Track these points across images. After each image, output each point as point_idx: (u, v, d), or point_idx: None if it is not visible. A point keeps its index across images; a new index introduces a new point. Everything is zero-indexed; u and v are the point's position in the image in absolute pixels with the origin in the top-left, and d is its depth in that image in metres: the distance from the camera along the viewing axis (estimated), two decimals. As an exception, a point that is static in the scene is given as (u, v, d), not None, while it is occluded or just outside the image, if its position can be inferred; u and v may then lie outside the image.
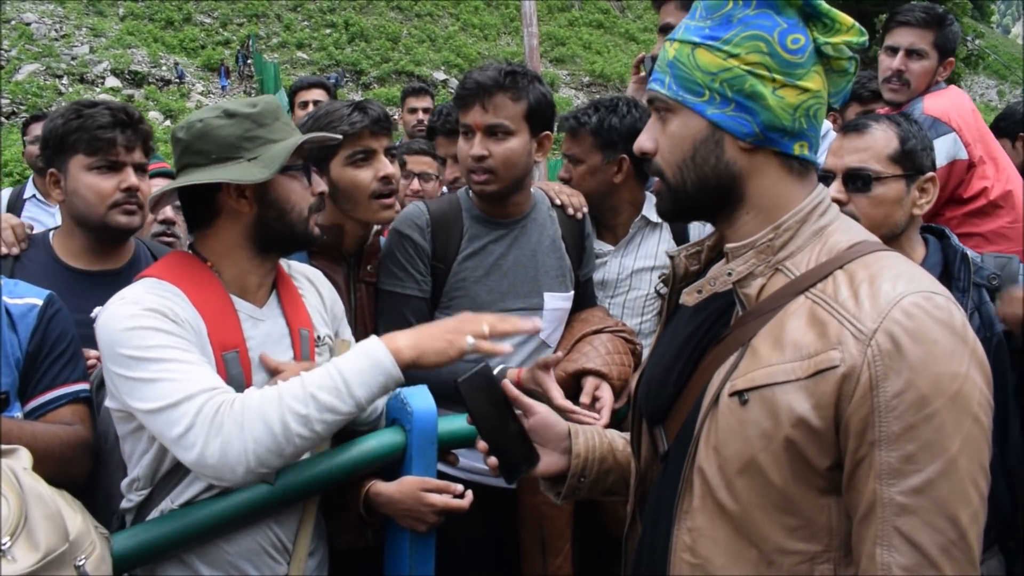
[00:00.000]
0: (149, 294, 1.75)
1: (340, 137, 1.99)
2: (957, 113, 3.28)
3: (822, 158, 2.47)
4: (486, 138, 2.32)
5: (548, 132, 2.44)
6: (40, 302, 1.99)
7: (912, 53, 3.46)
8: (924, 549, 1.07)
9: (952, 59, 3.49)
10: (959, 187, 3.20)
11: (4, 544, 1.33)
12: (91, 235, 2.34)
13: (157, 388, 1.63)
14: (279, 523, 1.90)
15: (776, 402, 1.17)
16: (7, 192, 4.58)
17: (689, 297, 1.33)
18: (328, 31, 35.96)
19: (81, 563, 1.45)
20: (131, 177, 2.29)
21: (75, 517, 1.50)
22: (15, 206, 4.34)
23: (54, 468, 1.67)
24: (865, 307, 1.14)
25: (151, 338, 1.67)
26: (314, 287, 2.12)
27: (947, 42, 3.45)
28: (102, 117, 2.27)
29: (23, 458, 1.53)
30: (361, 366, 1.63)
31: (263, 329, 1.91)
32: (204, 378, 1.66)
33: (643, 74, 3.07)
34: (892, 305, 1.12)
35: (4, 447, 1.54)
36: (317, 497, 1.99)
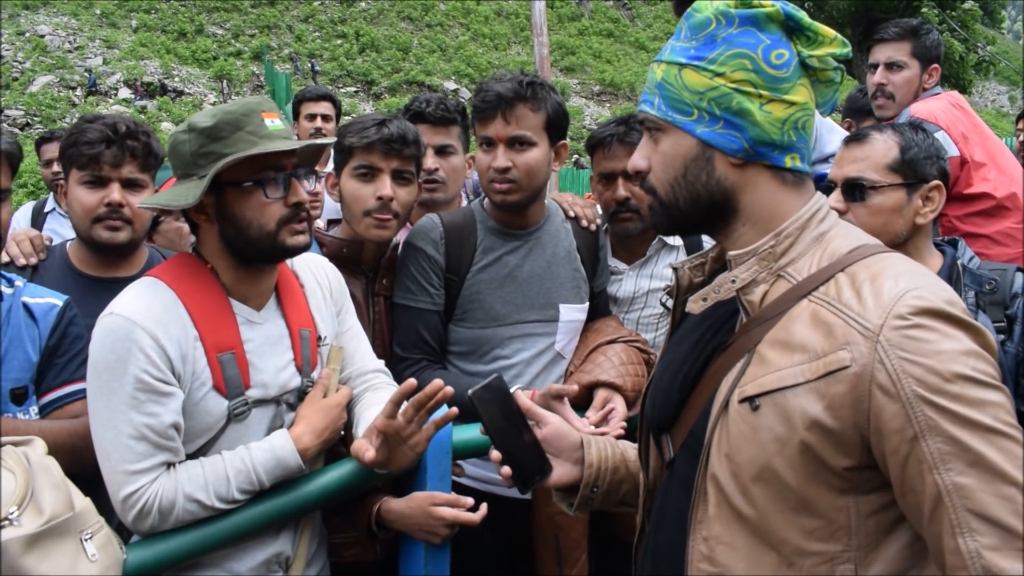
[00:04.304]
0: (141, 303, 1.76)
1: (258, 151, 1.78)
2: (943, 112, 3.33)
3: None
4: (508, 149, 2.33)
5: (564, 141, 2.45)
6: (59, 303, 2.06)
7: (891, 66, 3.56)
8: (1002, 521, 1.06)
9: (936, 65, 3.57)
10: (955, 184, 3.23)
11: (12, 513, 1.38)
12: (89, 246, 2.39)
13: (106, 435, 1.72)
14: (278, 536, 1.94)
15: (788, 406, 1.17)
16: (30, 206, 4.73)
17: (695, 305, 1.34)
18: (339, 42, 36.13)
19: (87, 537, 1.49)
20: (114, 193, 2.29)
21: (83, 499, 1.55)
22: (37, 218, 4.49)
23: (67, 459, 1.70)
24: (869, 305, 1.15)
25: (117, 383, 1.71)
26: (316, 279, 2.13)
27: (926, 50, 3.53)
28: (92, 132, 2.28)
29: (38, 447, 1.57)
30: (272, 466, 1.84)
31: (262, 332, 1.91)
32: (143, 457, 1.71)
33: None
34: (896, 300, 1.13)
35: (20, 438, 1.57)
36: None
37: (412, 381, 1.81)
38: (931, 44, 3.52)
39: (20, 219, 4.56)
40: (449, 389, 1.81)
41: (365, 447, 1.86)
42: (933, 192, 2.13)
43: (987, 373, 1.11)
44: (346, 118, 4.50)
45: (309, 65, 33.27)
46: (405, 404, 1.83)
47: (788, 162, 1.31)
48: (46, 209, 4.54)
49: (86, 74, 28.11)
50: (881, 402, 1.11)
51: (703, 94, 1.29)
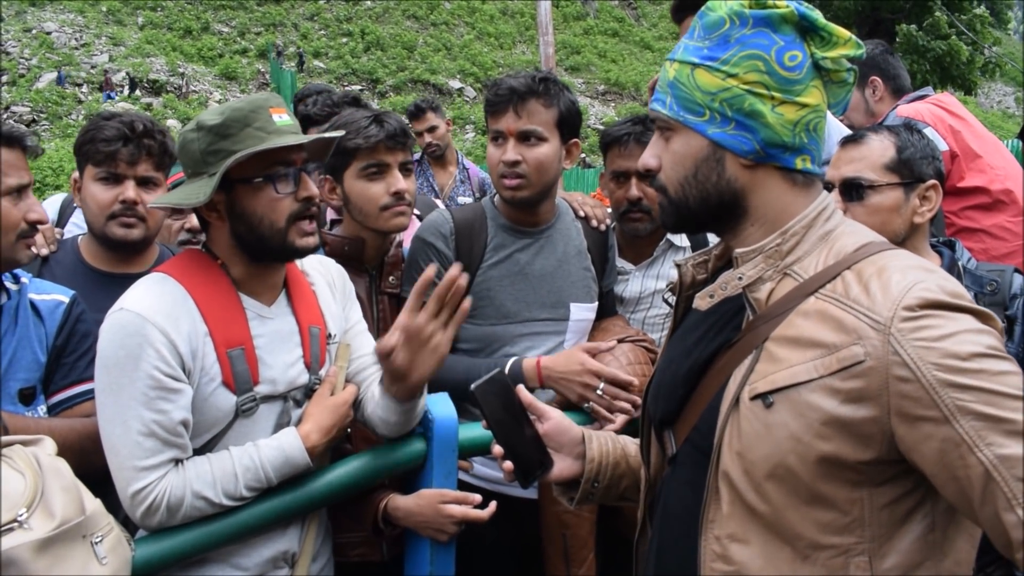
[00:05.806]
0: (151, 299, 1.76)
1: (267, 147, 1.77)
2: (928, 110, 3.36)
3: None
4: (519, 144, 2.32)
5: (576, 140, 2.45)
6: (66, 300, 2.06)
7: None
8: None
9: (874, 77, 3.54)
10: (948, 177, 3.23)
11: (21, 515, 1.37)
12: (102, 242, 2.40)
13: (115, 431, 1.72)
14: (284, 532, 1.94)
15: (801, 402, 1.18)
16: (59, 198, 4.72)
17: (702, 301, 1.34)
18: (344, 40, 36.18)
19: (98, 540, 1.48)
20: (129, 190, 2.30)
21: (94, 500, 1.53)
22: (65, 212, 4.49)
23: (74, 460, 1.70)
24: (878, 299, 1.15)
25: (128, 379, 1.71)
26: (323, 277, 2.10)
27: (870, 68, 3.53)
28: (109, 130, 2.29)
29: (47, 446, 1.57)
30: (280, 464, 1.84)
31: (271, 327, 1.90)
32: (151, 454, 1.71)
33: None
34: (904, 293, 1.14)
35: (29, 437, 1.57)
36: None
37: (430, 272, 1.81)
38: (884, 64, 3.54)
39: (48, 210, 4.56)
40: (463, 282, 1.82)
41: (387, 338, 1.84)
42: (930, 191, 2.14)
43: (998, 348, 1.12)
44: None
45: (297, 55, 33.19)
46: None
47: (799, 164, 1.31)
48: (75, 203, 4.55)
49: (56, 72, 28.02)
50: (903, 392, 1.11)
51: (715, 95, 1.28)
